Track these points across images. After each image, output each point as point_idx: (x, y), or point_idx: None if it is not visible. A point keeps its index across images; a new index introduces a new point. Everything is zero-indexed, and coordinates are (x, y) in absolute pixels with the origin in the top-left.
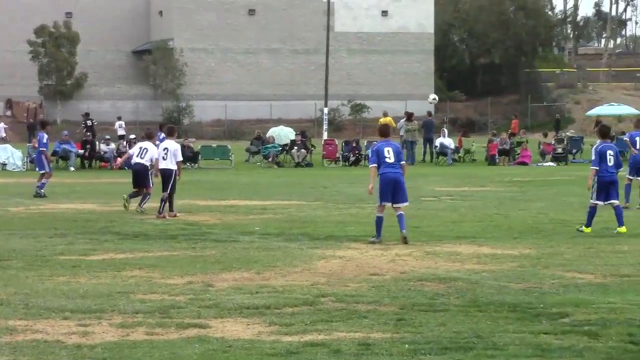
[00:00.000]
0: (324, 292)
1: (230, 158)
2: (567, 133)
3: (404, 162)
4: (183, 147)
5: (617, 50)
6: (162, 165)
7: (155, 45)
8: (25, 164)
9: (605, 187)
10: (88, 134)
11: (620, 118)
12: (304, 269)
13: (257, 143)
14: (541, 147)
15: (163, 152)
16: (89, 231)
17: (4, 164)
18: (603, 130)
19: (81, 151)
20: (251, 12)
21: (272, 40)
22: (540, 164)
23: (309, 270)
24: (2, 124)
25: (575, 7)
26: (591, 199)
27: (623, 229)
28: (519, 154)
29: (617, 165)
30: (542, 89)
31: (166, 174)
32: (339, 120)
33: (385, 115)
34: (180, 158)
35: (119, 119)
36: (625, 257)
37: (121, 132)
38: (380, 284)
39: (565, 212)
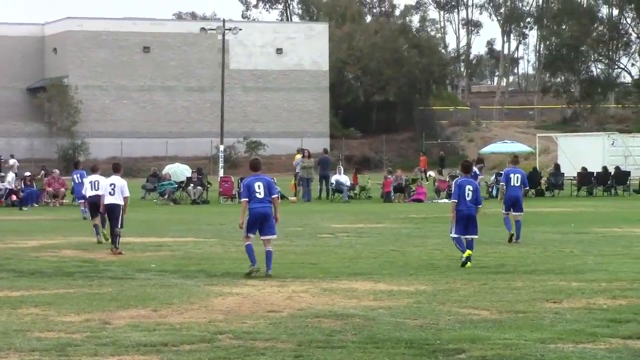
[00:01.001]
0: (221, 329)
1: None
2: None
3: (275, 196)
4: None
5: (510, 89)
6: (110, 200)
7: (49, 83)
8: None
9: (463, 221)
10: (1, 174)
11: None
12: (201, 306)
13: (153, 180)
14: (436, 184)
15: (110, 188)
16: None
17: None
18: (465, 165)
19: None
20: (146, 49)
21: (167, 78)
22: (435, 200)
23: (206, 307)
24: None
25: (468, 45)
26: (450, 232)
27: (469, 265)
28: (414, 191)
29: (476, 201)
30: (436, 126)
31: (114, 209)
32: (235, 158)
33: (298, 152)
34: (128, 194)
35: (12, 156)
36: (520, 293)
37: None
38: (277, 321)
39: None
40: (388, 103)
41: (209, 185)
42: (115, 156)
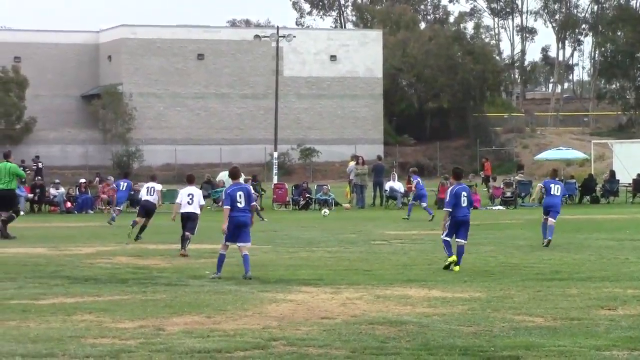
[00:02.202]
0: (275, 335)
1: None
2: (516, 177)
3: (254, 204)
4: (133, 192)
5: (565, 95)
6: (189, 209)
7: (104, 90)
8: None
9: (457, 226)
10: (38, 177)
11: (568, 162)
12: (255, 312)
13: (207, 187)
14: (490, 190)
15: (188, 197)
16: (39, 275)
17: None
18: (457, 172)
19: (30, 195)
20: (200, 56)
21: (221, 85)
22: (490, 207)
23: (260, 314)
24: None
25: (523, 52)
26: (442, 235)
27: (457, 268)
28: None
29: (470, 204)
30: (491, 133)
31: (192, 218)
32: (288, 164)
33: (352, 158)
34: (204, 202)
35: (37, 157)
36: (575, 300)
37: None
38: (331, 328)
39: (514, 255)
40: (442, 110)
41: (263, 192)
42: (169, 163)
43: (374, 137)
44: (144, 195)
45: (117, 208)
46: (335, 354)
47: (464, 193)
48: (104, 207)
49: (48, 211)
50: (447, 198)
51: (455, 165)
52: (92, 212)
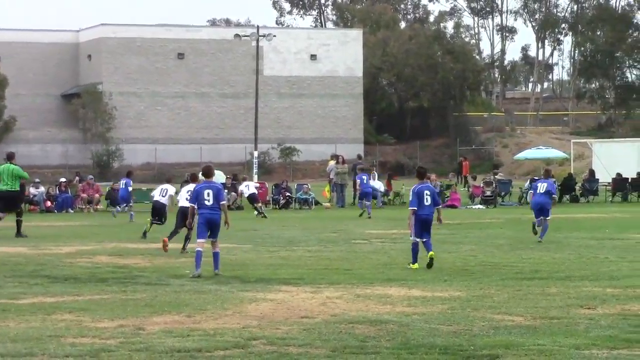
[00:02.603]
0: (255, 335)
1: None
2: (496, 176)
3: (224, 202)
4: (112, 191)
5: (544, 95)
6: (185, 204)
7: (84, 89)
8: None
9: (421, 225)
10: (36, 179)
11: (548, 161)
12: (235, 312)
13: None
14: (470, 189)
15: (187, 194)
16: (18, 274)
17: None
18: (420, 171)
19: None
20: (180, 55)
21: (202, 84)
22: (470, 206)
23: (240, 313)
24: None
25: (503, 51)
26: (411, 236)
27: (432, 254)
28: (448, 196)
29: (435, 203)
30: (471, 132)
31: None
32: (269, 164)
33: (332, 158)
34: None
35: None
36: (554, 299)
37: None
38: (311, 327)
39: (494, 254)
40: (422, 109)
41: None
42: (149, 162)
43: (354, 136)
44: (156, 195)
45: (125, 205)
46: (316, 353)
47: (426, 192)
48: (84, 206)
49: (28, 210)
50: (410, 197)
51: (420, 165)
52: (72, 211)
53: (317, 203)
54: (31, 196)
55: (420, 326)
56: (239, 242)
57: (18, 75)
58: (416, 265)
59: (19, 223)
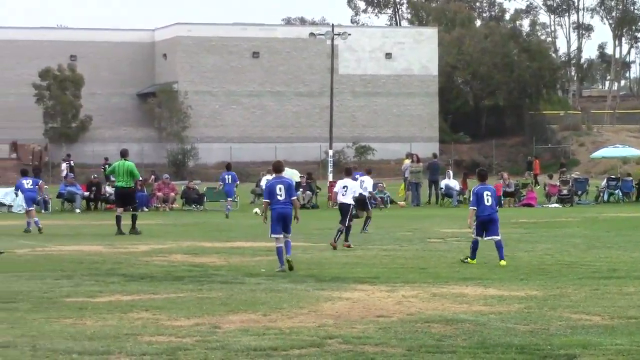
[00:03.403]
0: (331, 334)
1: (235, 200)
2: (573, 175)
3: (294, 198)
4: (188, 189)
5: (621, 93)
6: (342, 200)
7: (159, 88)
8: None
9: (484, 225)
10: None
11: (625, 160)
12: (311, 310)
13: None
14: (546, 188)
15: (342, 190)
16: (95, 273)
17: (11, 206)
18: (481, 173)
19: (87, 193)
20: (255, 54)
21: (277, 83)
22: (546, 205)
23: (315, 312)
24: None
25: (579, 49)
26: (473, 234)
27: (503, 262)
28: (524, 195)
29: (496, 203)
30: (547, 131)
31: (344, 208)
32: (344, 162)
33: (407, 156)
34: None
35: (69, 156)
36: (632, 298)
37: (64, 173)
38: (387, 326)
39: (571, 253)
40: (498, 108)
41: (318, 190)
42: (224, 161)
43: (429, 135)
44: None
45: (230, 199)
46: (391, 352)
47: (486, 192)
48: (159, 205)
49: (104, 209)
50: (472, 198)
51: (480, 168)
52: (148, 209)
53: (392, 202)
54: (107, 195)
55: (497, 325)
56: (315, 241)
57: (94, 74)
58: (474, 261)
59: (134, 218)
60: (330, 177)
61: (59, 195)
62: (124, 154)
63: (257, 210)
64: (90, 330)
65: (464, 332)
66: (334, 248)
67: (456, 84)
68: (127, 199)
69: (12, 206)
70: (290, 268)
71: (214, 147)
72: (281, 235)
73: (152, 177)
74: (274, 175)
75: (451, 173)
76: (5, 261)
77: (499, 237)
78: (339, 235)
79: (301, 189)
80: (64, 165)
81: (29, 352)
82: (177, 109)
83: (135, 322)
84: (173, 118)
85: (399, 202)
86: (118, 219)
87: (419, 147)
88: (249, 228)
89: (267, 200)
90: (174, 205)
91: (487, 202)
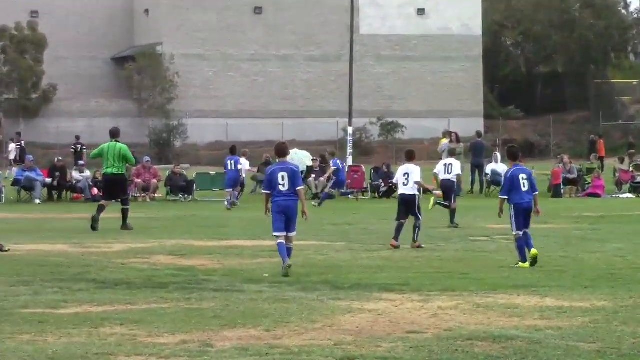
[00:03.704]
0: (350, 353)
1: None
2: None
3: (300, 188)
4: (174, 175)
5: None
6: (404, 191)
7: (139, 51)
8: None
9: (524, 214)
10: (81, 162)
11: None
12: (325, 325)
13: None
14: (617, 175)
15: (403, 178)
16: (59, 278)
17: None
18: (512, 151)
19: (49, 180)
20: (257, 10)
21: (284, 45)
22: (616, 195)
23: (331, 326)
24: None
25: None
26: (513, 230)
27: (535, 251)
28: (589, 183)
29: (533, 189)
30: (617, 103)
31: (409, 200)
32: (366, 142)
33: (445, 135)
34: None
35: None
36: None
37: (12, 155)
38: (419, 344)
39: None
40: (556, 75)
41: (334, 177)
42: (219, 140)
43: (471, 108)
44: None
45: (228, 190)
46: None
47: (522, 176)
48: (138, 194)
49: (70, 199)
50: (503, 182)
51: (511, 145)
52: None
53: (426, 191)
54: (74, 182)
55: (555, 343)
56: (330, 239)
57: (59, 34)
58: (527, 265)
59: (125, 212)
60: (350, 161)
61: (15, 183)
62: (114, 134)
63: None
64: (52, 348)
65: (514, 351)
66: (396, 248)
67: (504, 47)
68: (117, 188)
69: None
70: (286, 275)
71: (206, 124)
72: (284, 234)
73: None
74: (277, 160)
75: (499, 156)
76: None
77: (527, 230)
78: (398, 234)
79: (313, 176)
80: (12, 146)
81: None
82: (161, 76)
83: (107, 338)
84: (156, 88)
85: (434, 192)
86: (100, 209)
87: (459, 124)
88: (248, 223)
89: (268, 192)
90: (156, 195)
91: (524, 187)
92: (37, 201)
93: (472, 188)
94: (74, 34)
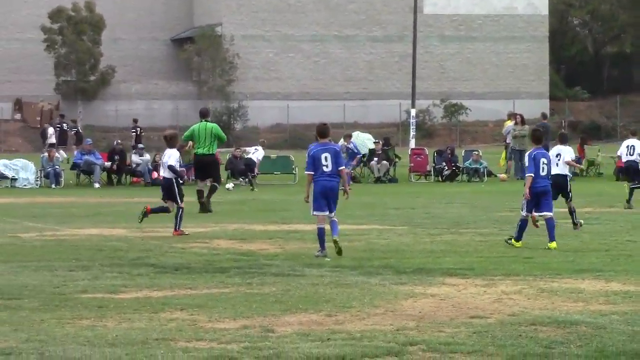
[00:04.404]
0: (412, 339)
1: (293, 172)
2: None
3: (343, 168)
4: (234, 159)
5: None
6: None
7: (199, 32)
8: (38, 179)
9: (537, 198)
10: (140, 145)
11: None
12: (387, 310)
13: None
14: None
15: (556, 159)
16: (118, 263)
17: (14, 179)
18: (536, 135)
19: (108, 163)
20: None
21: (345, 25)
22: None
23: (393, 311)
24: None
25: None
26: (522, 211)
27: (554, 245)
28: None
29: (549, 173)
30: None
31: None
32: (429, 125)
33: (509, 117)
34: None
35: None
36: None
37: (52, 140)
38: (483, 329)
39: None
40: (624, 56)
41: (397, 160)
42: (279, 123)
43: (537, 89)
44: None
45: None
46: None
47: (543, 160)
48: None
49: (130, 183)
50: (527, 163)
51: (535, 129)
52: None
53: (490, 174)
54: (134, 165)
55: (621, 329)
56: (393, 223)
57: (117, 15)
58: (519, 244)
59: (212, 189)
60: (412, 143)
61: (74, 166)
62: (204, 114)
63: (230, 185)
64: (112, 334)
65: (579, 336)
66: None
67: (571, 26)
68: (209, 168)
69: (16, 179)
70: (339, 251)
71: (266, 106)
72: (326, 213)
73: (190, 143)
74: (318, 140)
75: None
76: (7, 248)
77: (551, 214)
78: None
79: (375, 159)
80: (51, 130)
81: None
82: (221, 57)
83: (167, 324)
84: (216, 69)
85: (498, 175)
86: (200, 194)
87: (524, 106)
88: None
89: (311, 172)
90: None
91: (543, 171)
92: (97, 185)
93: None
94: (132, 15)
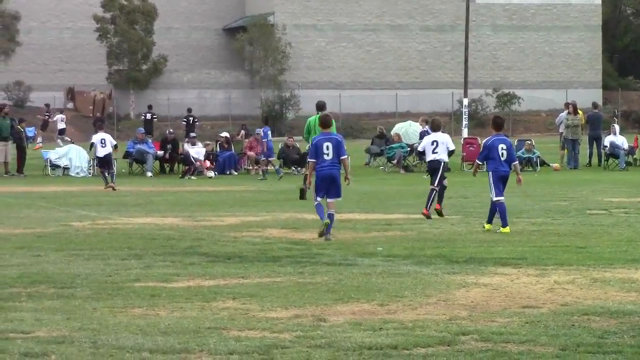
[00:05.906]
0: (464, 329)
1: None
2: None
3: (344, 157)
4: (286, 148)
5: None
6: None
7: (251, 21)
8: (91, 167)
9: (502, 182)
10: (192, 134)
11: None
12: (440, 299)
13: (380, 142)
14: None
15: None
16: (171, 252)
17: (66, 168)
18: (497, 122)
19: (160, 152)
20: None
21: (398, 14)
22: None
23: (445, 301)
24: (61, 115)
25: None
26: (492, 196)
27: (507, 230)
28: None
29: (511, 159)
30: None
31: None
32: (482, 114)
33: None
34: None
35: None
36: None
37: (62, 125)
38: (535, 319)
39: None
40: None
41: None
42: (331, 112)
43: (590, 79)
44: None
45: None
46: (541, 351)
47: (502, 146)
48: (250, 167)
49: (182, 172)
50: (481, 149)
51: (496, 116)
52: (237, 173)
53: (543, 163)
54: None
55: None
56: (445, 213)
57: (170, 4)
58: (508, 229)
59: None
60: (465, 133)
61: (126, 155)
62: (321, 107)
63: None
64: (164, 322)
65: (632, 327)
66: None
67: (624, 16)
68: None
69: (68, 168)
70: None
71: (319, 95)
72: (322, 199)
73: (242, 132)
74: (321, 130)
75: (618, 128)
76: (60, 237)
77: (502, 198)
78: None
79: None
80: (58, 117)
81: (89, 349)
82: (273, 47)
83: (220, 312)
84: (268, 59)
85: (551, 164)
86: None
87: (577, 95)
88: (362, 196)
89: (313, 160)
90: (268, 167)
91: (502, 156)
92: (149, 174)
93: (589, 161)
94: (184, 4)
